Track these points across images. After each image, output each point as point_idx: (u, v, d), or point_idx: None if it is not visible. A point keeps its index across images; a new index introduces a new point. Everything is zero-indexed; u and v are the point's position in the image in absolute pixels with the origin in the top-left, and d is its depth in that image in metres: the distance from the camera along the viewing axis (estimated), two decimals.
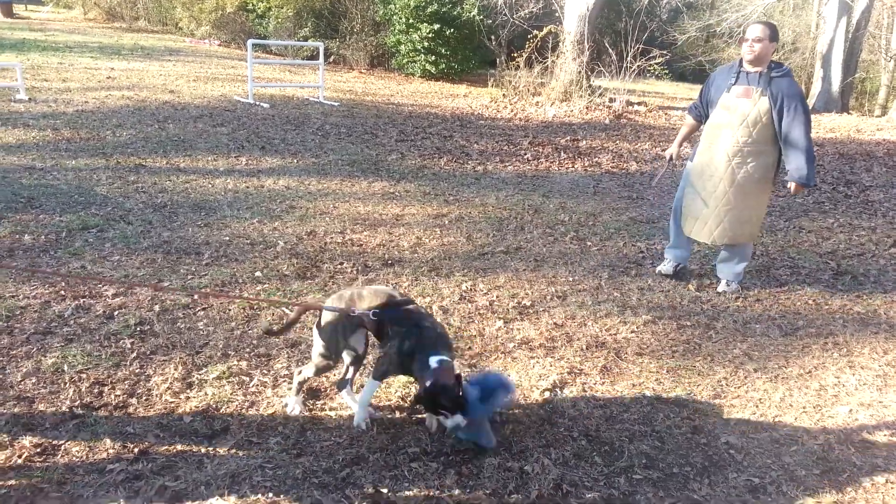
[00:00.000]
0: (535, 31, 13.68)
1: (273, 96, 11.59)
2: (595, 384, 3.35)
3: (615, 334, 3.91)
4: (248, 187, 6.37)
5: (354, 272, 4.55)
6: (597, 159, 8.91)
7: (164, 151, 7.37)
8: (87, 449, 2.60)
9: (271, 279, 4.32)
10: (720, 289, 4.66)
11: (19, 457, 2.52)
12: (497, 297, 4.32)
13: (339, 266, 4.63)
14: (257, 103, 10.66)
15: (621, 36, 13.69)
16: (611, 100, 13.13)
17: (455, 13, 16.08)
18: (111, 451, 2.60)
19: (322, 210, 5.85)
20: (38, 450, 2.58)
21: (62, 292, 3.88)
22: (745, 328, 4.10)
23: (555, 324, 3.99)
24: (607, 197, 7.11)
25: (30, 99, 9.31)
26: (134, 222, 5.14)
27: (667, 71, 15.89)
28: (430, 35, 15.65)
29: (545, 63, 13.90)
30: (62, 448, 2.60)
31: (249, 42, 11.49)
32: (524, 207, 6.40)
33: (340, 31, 17.70)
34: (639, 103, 13.73)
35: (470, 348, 3.64)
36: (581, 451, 2.79)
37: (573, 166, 8.47)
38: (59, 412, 2.80)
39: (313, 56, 16.10)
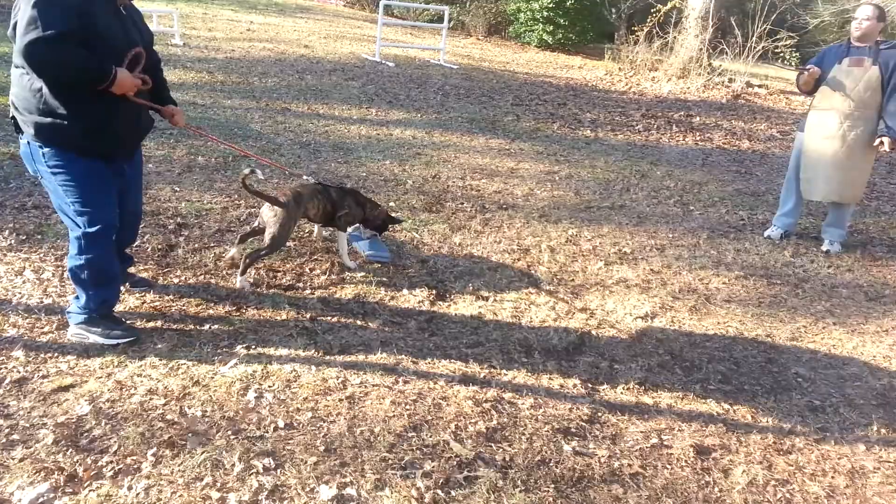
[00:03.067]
0: (659, 6, 13.63)
1: (397, 56, 12.28)
2: (683, 319, 3.79)
3: (707, 283, 4.30)
4: (378, 134, 7.07)
5: (473, 211, 5.13)
6: (709, 135, 9.05)
7: (305, 98, 8.19)
8: (271, 311, 3.34)
9: (402, 209, 4.97)
10: (824, 248, 5.11)
11: (224, 311, 3.29)
12: (600, 243, 4.79)
13: (459, 205, 5.23)
14: (383, 62, 11.37)
15: (748, 15, 13.41)
16: (730, 80, 12.96)
17: None
18: (290, 314, 3.33)
19: (444, 158, 6.46)
20: (234, 307, 3.34)
21: (237, 201, 4.69)
22: (831, 291, 4.38)
23: (651, 270, 4.43)
24: (715, 169, 7.33)
25: (184, 44, 10.40)
26: (286, 154, 5.94)
27: (797, 54, 15.39)
28: (550, 5, 15.84)
29: (665, 39, 13.84)
30: (250, 309, 3.34)
31: (381, 3, 12.19)
32: (631, 172, 6.77)
33: None
34: (759, 85, 13.47)
35: (573, 280, 4.16)
36: (664, 363, 3.28)
37: (684, 139, 8.67)
38: (243, 289, 3.57)
39: (434, 19, 16.70)
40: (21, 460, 2.26)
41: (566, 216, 5.26)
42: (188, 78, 8.39)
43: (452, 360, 3.11)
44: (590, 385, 3.03)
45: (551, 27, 16.24)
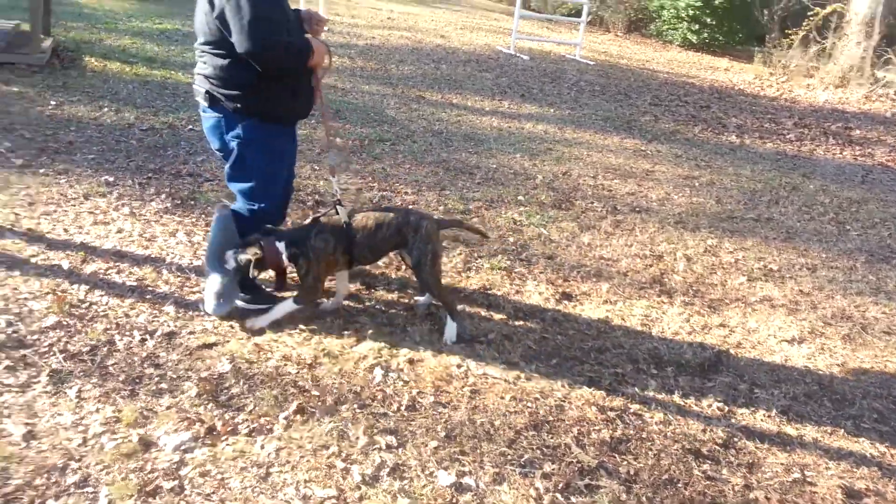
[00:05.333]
0: (817, 9, 12.63)
1: (532, 49, 12.15)
2: (835, 347, 3.47)
3: (863, 311, 3.92)
4: (510, 127, 7.01)
5: (604, 211, 4.97)
6: (870, 150, 8.26)
7: (439, 87, 8.27)
8: (399, 294, 3.39)
9: (531, 204, 4.90)
10: None
11: (355, 289, 3.37)
12: (742, 256, 4.49)
13: (589, 204, 5.08)
14: (517, 55, 11.29)
15: None
16: None
17: None
18: (418, 297, 3.36)
19: (576, 156, 6.31)
20: (364, 287, 3.42)
21: (371, 183, 4.80)
22: None
23: (800, 290, 4.09)
24: (876, 187, 6.68)
25: (327, 29, 10.79)
26: (418, 141, 6.02)
27: None
28: (697, 3, 15.08)
29: (823, 44, 12.81)
30: (379, 290, 3.40)
31: None
32: (780, 183, 6.30)
33: None
34: None
35: (711, 293, 3.92)
36: (811, 393, 3.01)
37: (841, 153, 7.98)
38: (374, 269, 3.64)
39: (572, 13, 16.38)
40: (168, 408, 2.41)
41: (705, 224, 4.98)
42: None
43: (576, 363, 3.01)
44: (726, 407, 2.83)
45: (697, 26, 15.46)
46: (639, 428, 2.62)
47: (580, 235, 4.49)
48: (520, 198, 4.98)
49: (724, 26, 15.51)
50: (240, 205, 3.01)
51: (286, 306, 2.95)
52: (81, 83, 5.99)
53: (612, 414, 2.68)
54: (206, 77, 2.80)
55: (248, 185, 2.92)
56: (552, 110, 8.05)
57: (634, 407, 2.75)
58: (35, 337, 2.66)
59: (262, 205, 2.96)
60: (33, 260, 3.19)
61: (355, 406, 2.53)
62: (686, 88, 10.66)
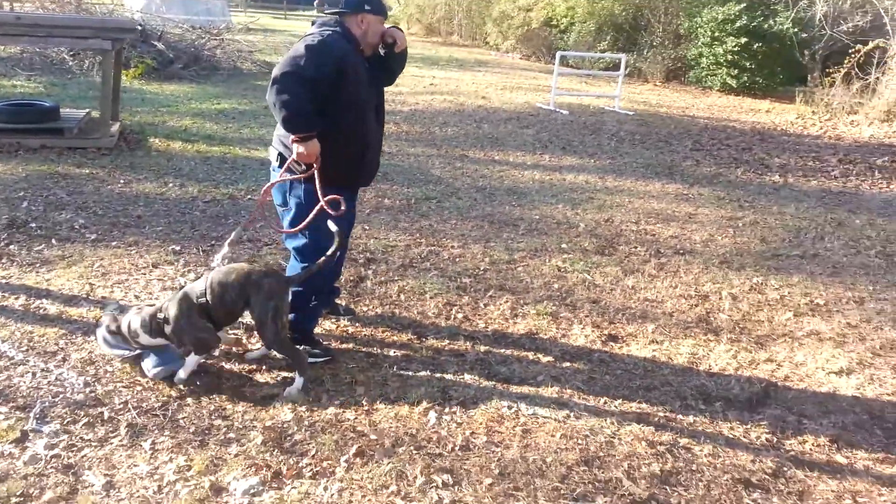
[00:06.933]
0: (859, 46, 12.61)
1: (571, 104, 12.44)
2: (885, 377, 3.45)
3: None
4: (551, 179, 7.21)
5: (648, 255, 5.06)
6: None
7: (482, 146, 8.58)
8: (448, 341, 3.54)
9: (574, 251, 5.03)
10: None
11: (406, 338, 3.55)
12: (788, 293, 4.50)
13: (633, 249, 5.18)
14: (557, 110, 11.59)
15: None
16: None
17: (766, 26, 15.41)
18: (466, 345, 3.51)
19: (618, 203, 6.44)
20: (415, 336, 3.58)
21: (419, 240, 5.03)
22: None
23: (848, 324, 4.07)
24: None
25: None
26: (463, 198, 6.26)
27: None
28: (735, 49, 15.23)
29: (866, 80, 12.73)
30: (430, 339, 3.57)
31: (558, 54, 12.51)
32: (826, 220, 6.27)
33: (639, 45, 18.05)
34: None
35: (757, 330, 3.94)
36: (861, 423, 3.01)
37: (888, 187, 7.87)
38: (424, 319, 3.81)
39: (609, 67, 16.73)
40: (236, 456, 2.59)
41: (750, 263, 5.01)
42: None
43: (624, 401, 3.09)
44: (775, 438, 2.86)
45: (736, 70, 15.57)
46: (688, 461, 2.67)
47: (624, 279, 4.58)
48: (563, 245, 5.12)
49: (764, 69, 15.56)
50: (293, 263, 3.25)
51: (190, 360, 3.01)
52: (147, 162, 6.48)
53: (661, 448, 2.74)
54: (279, 137, 3.10)
55: (303, 242, 3.16)
56: (593, 161, 8.23)
57: (683, 441, 2.80)
58: (111, 396, 2.90)
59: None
60: None
61: (412, 448, 2.66)
62: (727, 132, 10.73)
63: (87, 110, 7.43)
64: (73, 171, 5.90)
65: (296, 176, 3.06)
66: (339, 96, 2.97)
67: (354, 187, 3.31)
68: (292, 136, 2.91)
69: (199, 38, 13.01)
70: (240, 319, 3.27)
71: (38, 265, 4.07)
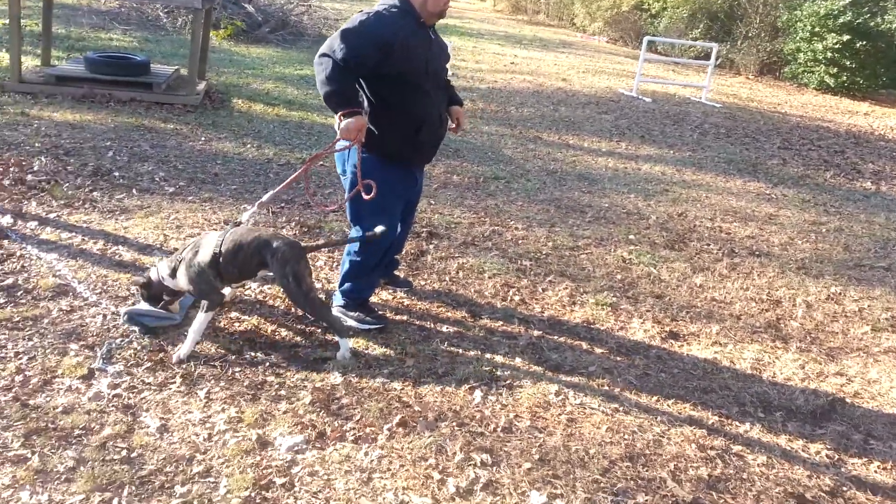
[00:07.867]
0: None
1: (655, 92, 12.04)
2: None
3: None
4: (626, 168, 7.01)
5: (720, 254, 4.86)
6: None
7: (557, 129, 8.42)
8: (502, 323, 3.51)
9: (642, 243, 4.88)
10: None
11: (461, 316, 3.53)
12: (868, 306, 4.24)
13: (705, 246, 4.98)
14: (640, 97, 11.23)
15: None
16: None
17: (872, 24, 14.42)
18: (520, 328, 3.47)
19: (694, 197, 6.20)
20: (469, 314, 3.57)
21: (483, 218, 4.99)
22: None
23: None
24: None
25: (453, 74, 11.28)
26: (532, 180, 6.16)
27: None
28: (836, 46, 14.34)
29: None
30: (484, 318, 3.55)
31: (645, 39, 12.09)
32: None
33: (733, 35, 17.24)
34: None
35: (830, 342, 3.74)
36: None
37: None
38: (480, 298, 3.78)
39: (699, 56, 16.07)
40: (284, 412, 2.66)
41: (830, 272, 4.74)
42: None
43: (678, 401, 2.99)
44: (836, 455, 2.71)
45: (835, 69, 14.68)
46: (739, 468, 2.57)
47: (692, 276, 4.42)
48: (631, 237, 4.98)
49: (865, 69, 14.62)
50: (354, 231, 3.27)
51: (200, 319, 2.97)
52: (229, 122, 6.67)
53: (712, 453, 2.64)
54: None
55: (357, 209, 3.19)
56: (672, 152, 7.96)
57: (737, 448, 2.69)
58: (173, 344, 3.01)
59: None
60: None
61: (454, 424, 2.66)
62: (820, 133, 10.15)
63: (177, 67, 7.69)
64: (159, 126, 6.13)
65: (336, 149, 3.17)
66: (386, 74, 2.95)
67: (411, 164, 3.27)
68: (338, 112, 2.94)
69: (287, 2, 13.21)
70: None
71: (117, 213, 4.26)
